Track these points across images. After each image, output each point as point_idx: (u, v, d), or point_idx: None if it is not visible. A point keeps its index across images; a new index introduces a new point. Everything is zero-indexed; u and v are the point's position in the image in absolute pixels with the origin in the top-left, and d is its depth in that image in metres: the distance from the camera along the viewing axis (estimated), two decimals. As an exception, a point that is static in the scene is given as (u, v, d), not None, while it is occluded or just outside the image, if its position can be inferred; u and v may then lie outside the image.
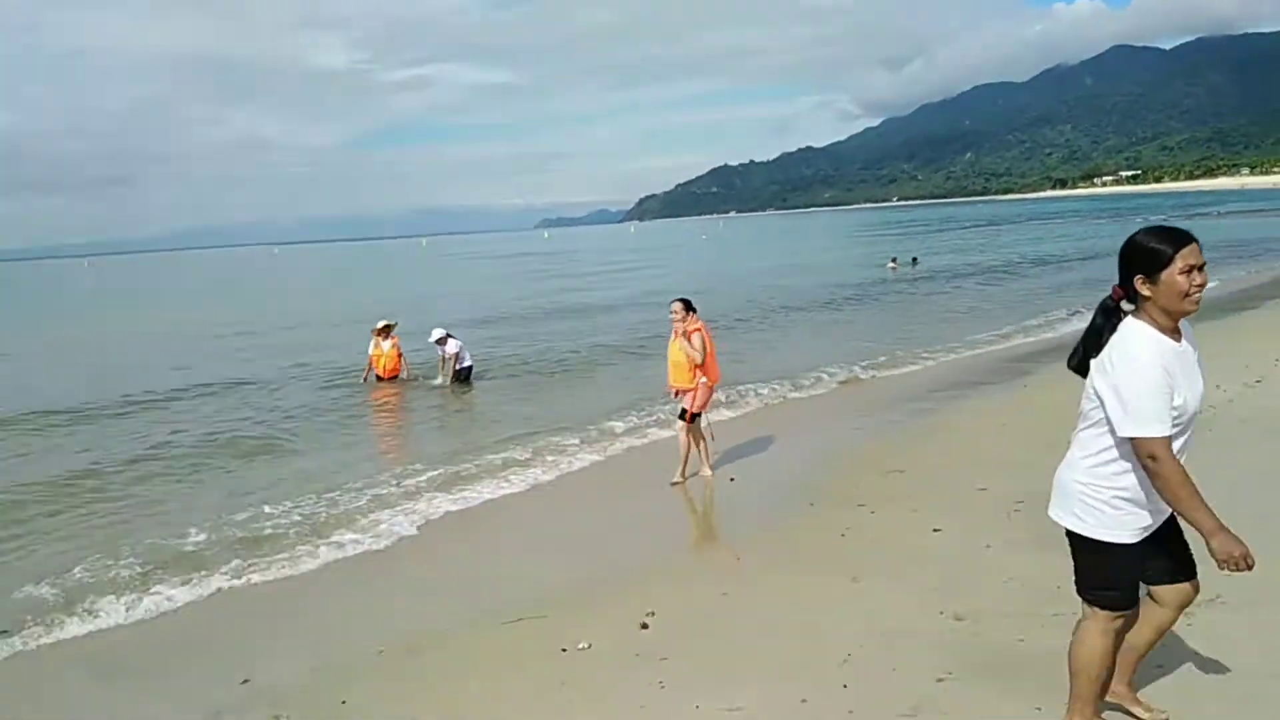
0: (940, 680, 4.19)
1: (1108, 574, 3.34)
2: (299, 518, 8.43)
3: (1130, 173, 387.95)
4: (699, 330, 8.69)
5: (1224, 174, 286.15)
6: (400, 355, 15.80)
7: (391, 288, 48.45)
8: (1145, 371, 3.01)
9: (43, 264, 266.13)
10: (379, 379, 15.61)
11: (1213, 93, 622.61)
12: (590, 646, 5.20)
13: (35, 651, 6.07)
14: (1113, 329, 3.15)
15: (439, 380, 15.26)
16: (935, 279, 31.16)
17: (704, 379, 8.74)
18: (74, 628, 6.38)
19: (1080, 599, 3.47)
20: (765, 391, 13.07)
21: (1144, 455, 3.02)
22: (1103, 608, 3.39)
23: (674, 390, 8.95)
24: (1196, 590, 3.45)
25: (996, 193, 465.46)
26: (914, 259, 37.51)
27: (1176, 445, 3.09)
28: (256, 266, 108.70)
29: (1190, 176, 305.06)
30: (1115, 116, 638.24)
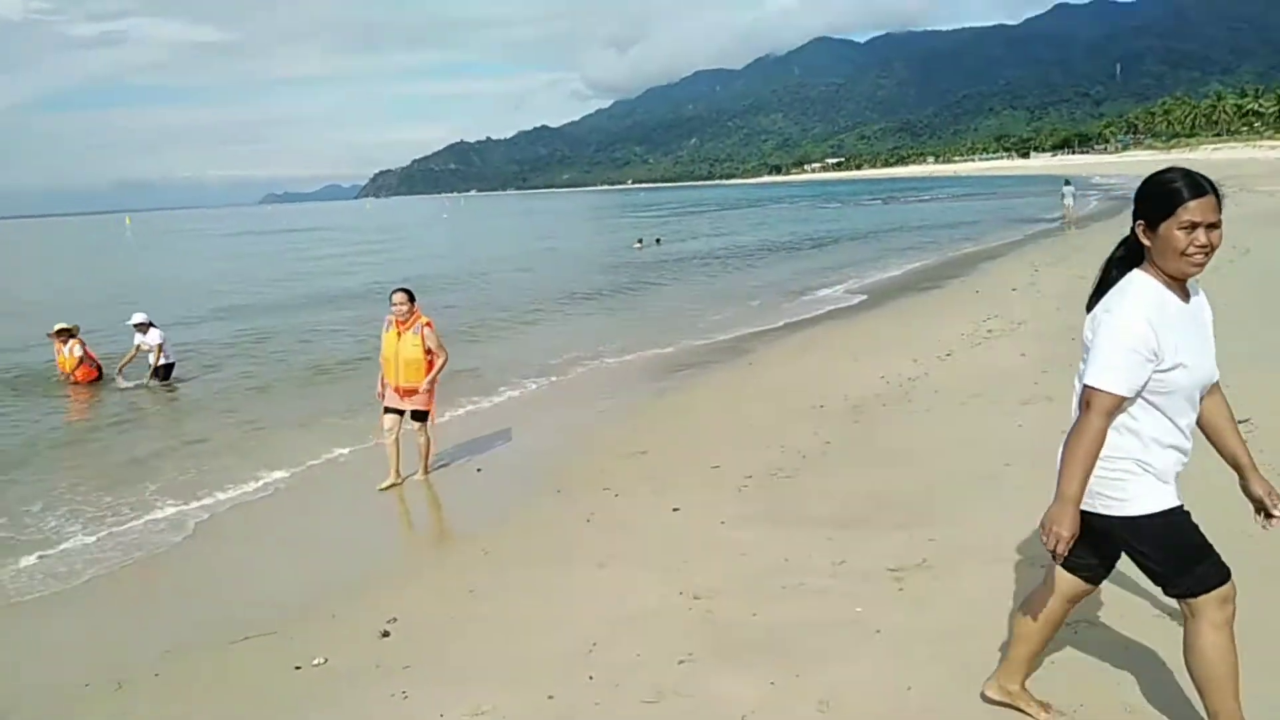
0: (681, 662, 4.33)
1: (1181, 547, 2.80)
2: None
3: (835, 160, 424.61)
4: (429, 325, 8.28)
5: (914, 162, 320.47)
6: (90, 358, 14.01)
7: (85, 274, 43.33)
8: (1127, 325, 2.71)
9: None
10: (75, 382, 13.86)
11: (901, 85, 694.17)
12: (326, 661, 4.91)
13: None
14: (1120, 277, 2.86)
15: (130, 383, 13.58)
16: (669, 262, 32.10)
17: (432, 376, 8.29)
18: None
19: (1174, 599, 2.92)
20: (514, 380, 12.91)
21: (1083, 399, 2.76)
22: (1202, 593, 2.80)
23: (398, 390, 8.26)
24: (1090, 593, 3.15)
25: (721, 177, 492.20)
26: (657, 239, 40.25)
27: (1182, 410, 2.82)
28: None
29: (886, 164, 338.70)
30: (820, 106, 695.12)
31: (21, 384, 14.31)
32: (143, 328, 13.73)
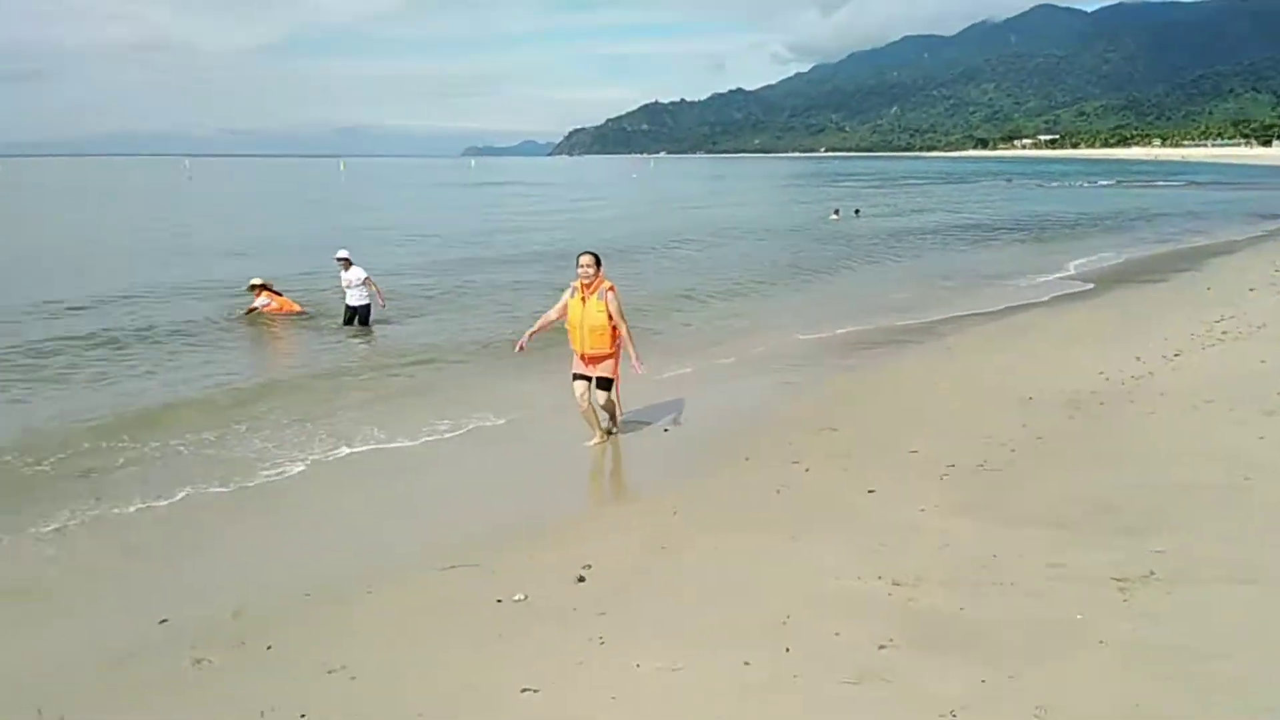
0: (882, 648, 4.22)
1: None
2: (209, 451, 8.18)
3: (1049, 136, 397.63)
4: (613, 289, 8.07)
5: (1137, 143, 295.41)
6: (283, 306, 15.14)
7: (301, 217, 44.93)
8: None
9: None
10: (278, 312, 15.08)
11: (1130, 60, 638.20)
12: (526, 598, 5.12)
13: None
14: None
15: (335, 325, 14.38)
16: (869, 236, 30.49)
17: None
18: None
19: None
20: (701, 347, 12.88)
21: None
22: None
23: (584, 358, 8.14)
24: None
25: (921, 149, 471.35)
26: (856, 210, 38.43)
27: None
28: (159, 181, 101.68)
29: (1105, 144, 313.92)
30: (1037, 78, 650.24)
31: (231, 324, 14.94)
32: (345, 263, 14.35)
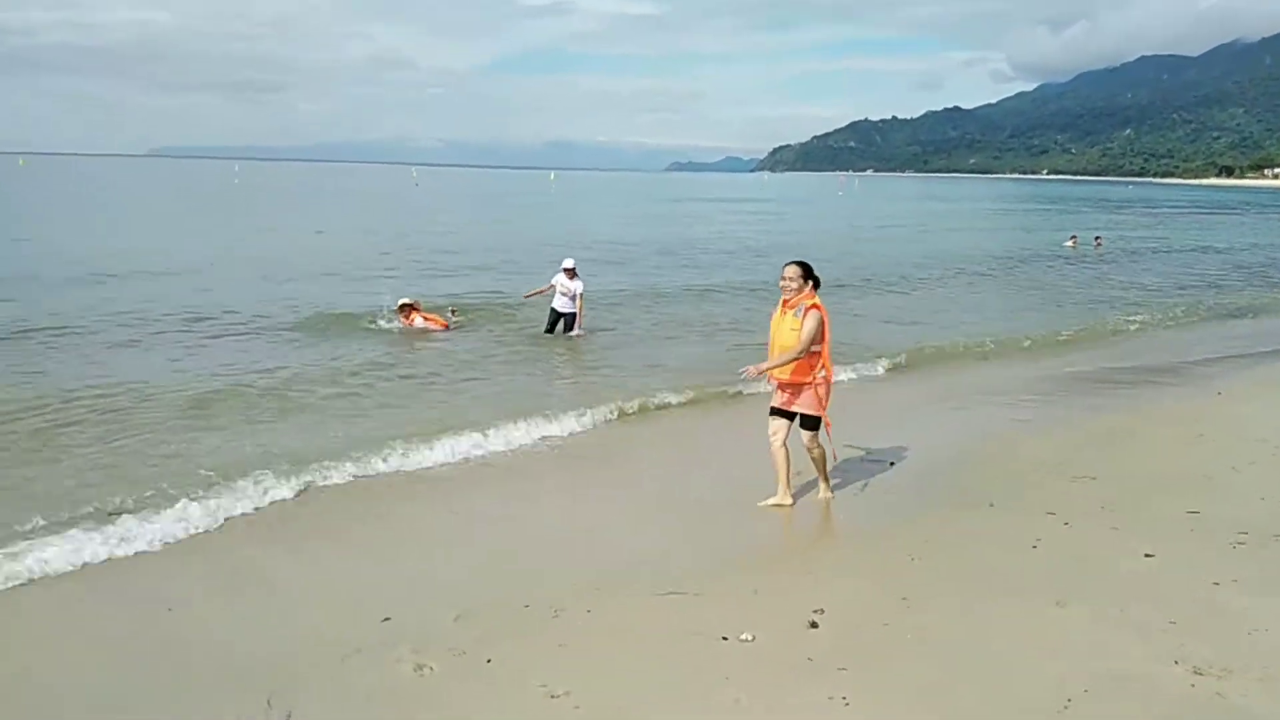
0: (1192, 752, 3.54)
1: None
2: (440, 453, 8.30)
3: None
4: (817, 307, 6.69)
5: None
6: (432, 322, 14.88)
7: (508, 223, 46.10)
8: None
9: (204, 163, 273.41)
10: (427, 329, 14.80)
11: None
12: (754, 639, 4.74)
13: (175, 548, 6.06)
14: None
15: (578, 332, 14.32)
16: (1115, 268, 27.65)
17: (823, 372, 6.79)
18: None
19: None
20: (919, 373, 12.28)
21: None
22: None
23: (782, 387, 6.90)
24: None
25: (1155, 174, 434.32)
26: (1096, 238, 35.53)
27: None
28: (393, 187, 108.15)
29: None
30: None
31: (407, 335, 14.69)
32: (570, 273, 14.33)
